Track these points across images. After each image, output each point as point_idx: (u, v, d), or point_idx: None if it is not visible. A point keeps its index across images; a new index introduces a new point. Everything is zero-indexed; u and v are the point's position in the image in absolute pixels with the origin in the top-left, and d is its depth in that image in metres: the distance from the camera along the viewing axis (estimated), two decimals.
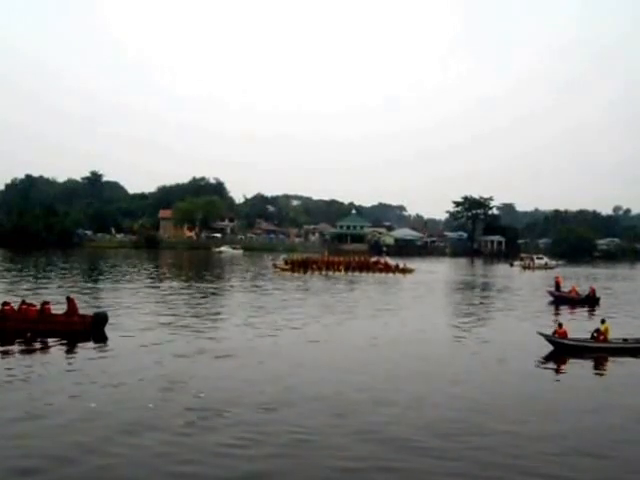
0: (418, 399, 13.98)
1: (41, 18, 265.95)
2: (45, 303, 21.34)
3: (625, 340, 20.84)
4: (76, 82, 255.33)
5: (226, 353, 18.08)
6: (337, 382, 15.14)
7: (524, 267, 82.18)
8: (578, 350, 20.02)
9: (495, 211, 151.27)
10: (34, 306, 21.13)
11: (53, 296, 28.16)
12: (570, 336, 20.52)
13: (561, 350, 20.08)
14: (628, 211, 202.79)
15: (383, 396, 14.09)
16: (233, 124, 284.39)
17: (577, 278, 55.43)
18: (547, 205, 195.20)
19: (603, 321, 21.15)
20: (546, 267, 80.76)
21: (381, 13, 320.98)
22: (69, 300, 21.74)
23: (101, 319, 21.21)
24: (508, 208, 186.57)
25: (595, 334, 20.52)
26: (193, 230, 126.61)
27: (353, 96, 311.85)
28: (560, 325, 20.99)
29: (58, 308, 22.08)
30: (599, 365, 19.25)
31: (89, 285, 39.06)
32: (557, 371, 18.43)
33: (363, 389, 14.60)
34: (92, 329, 20.69)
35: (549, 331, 21.15)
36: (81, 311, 22.00)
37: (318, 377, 15.75)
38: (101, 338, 20.05)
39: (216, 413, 12.30)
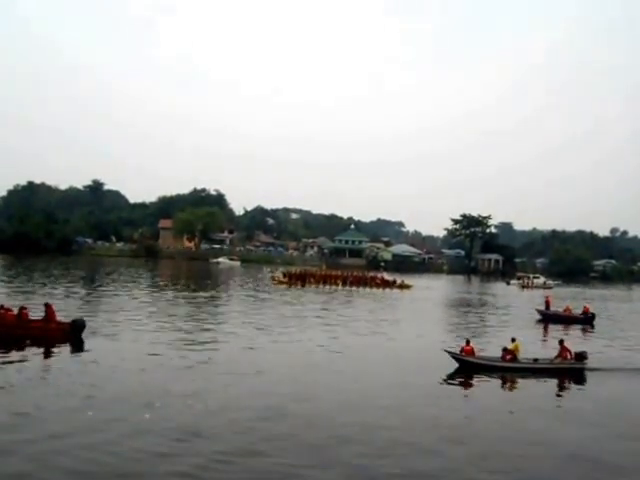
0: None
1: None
2: (22, 308, 21.38)
3: (535, 360, 20.12)
4: (79, 88, 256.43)
5: (211, 364, 18.38)
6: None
7: (523, 286, 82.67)
8: (483, 369, 19.36)
9: (493, 230, 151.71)
10: (12, 311, 21.22)
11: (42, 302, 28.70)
12: (479, 354, 20.05)
13: (466, 368, 19.37)
14: (625, 233, 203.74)
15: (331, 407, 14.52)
16: (235, 135, 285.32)
17: (576, 298, 56.08)
18: (545, 225, 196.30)
19: (513, 340, 20.60)
20: (545, 286, 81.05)
21: (379, 30, 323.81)
22: (47, 306, 21.88)
23: (78, 326, 21.23)
24: (506, 227, 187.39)
25: (503, 353, 19.91)
26: (192, 241, 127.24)
27: (352, 108, 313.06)
28: (467, 342, 20.33)
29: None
30: (489, 386, 18.43)
31: (81, 291, 39.72)
32: (427, 394, 16.66)
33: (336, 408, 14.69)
34: (70, 335, 20.75)
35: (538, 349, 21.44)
36: (65, 318, 22.20)
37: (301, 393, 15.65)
38: (78, 344, 20.18)
39: (209, 427, 12.42)
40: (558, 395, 18.27)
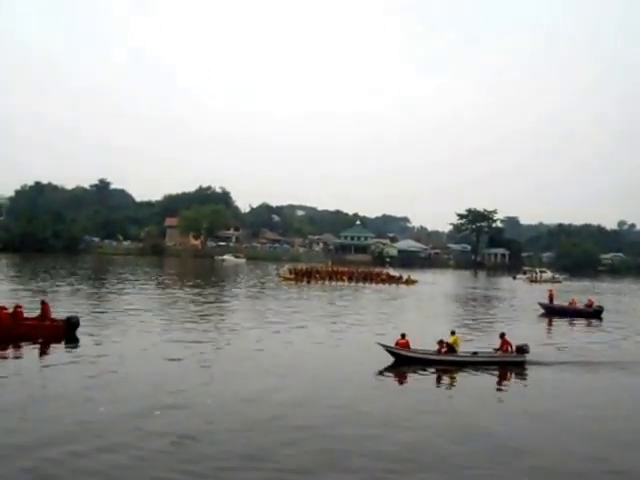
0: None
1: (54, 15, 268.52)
2: (17, 307, 21.47)
3: (475, 353, 19.83)
4: (84, 91, 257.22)
5: (208, 362, 18.38)
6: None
7: (531, 280, 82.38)
8: (419, 362, 19.01)
9: (499, 224, 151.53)
10: (6, 309, 21.29)
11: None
12: (413, 347, 19.57)
13: (401, 361, 19.12)
14: (633, 226, 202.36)
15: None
16: (239, 133, 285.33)
17: (587, 292, 56.07)
18: (551, 219, 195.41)
19: (453, 333, 20.25)
20: (553, 280, 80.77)
21: (396, 19, 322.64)
22: (43, 304, 22.07)
23: (73, 323, 21.38)
24: (512, 221, 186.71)
25: (438, 345, 19.53)
26: (199, 238, 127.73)
27: (358, 104, 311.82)
28: (403, 335, 19.82)
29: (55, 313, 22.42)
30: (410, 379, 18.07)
31: (86, 290, 40.01)
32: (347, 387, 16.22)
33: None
34: (64, 333, 20.93)
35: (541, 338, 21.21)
36: (63, 315, 22.34)
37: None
38: (73, 342, 20.39)
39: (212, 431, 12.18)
40: (489, 388, 17.70)
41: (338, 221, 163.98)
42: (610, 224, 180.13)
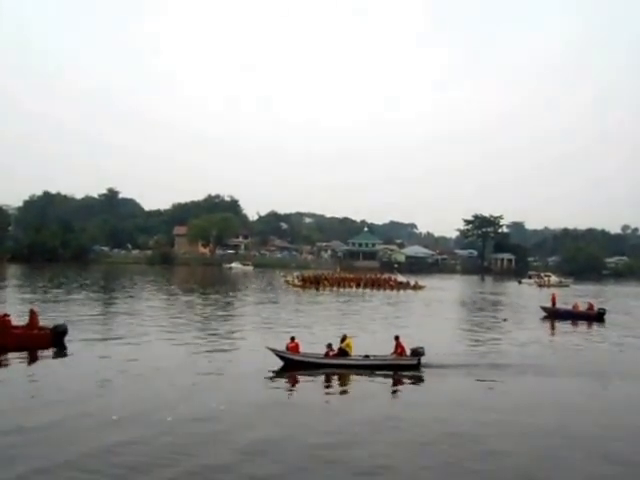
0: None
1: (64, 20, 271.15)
2: (5, 315, 21.56)
3: (367, 356, 19.16)
4: (92, 98, 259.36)
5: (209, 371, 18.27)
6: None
7: (540, 285, 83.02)
8: (307, 366, 18.60)
9: (505, 229, 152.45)
10: None
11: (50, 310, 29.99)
12: (304, 351, 19.19)
13: (291, 365, 18.68)
14: (636, 230, 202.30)
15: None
16: (248, 142, 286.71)
17: (596, 296, 56.42)
18: (556, 224, 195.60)
19: (345, 336, 19.69)
20: (561, 285, 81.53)
21: (401, 29, 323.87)
22: (31, 312, 22.46)
23: (60, 331, 21.65)
24: (518, 226, 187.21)
25: (327, 349, 19.14)
26: (207, 247, 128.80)
27: (365, 111, 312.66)
28: (292, 339, 19.57)
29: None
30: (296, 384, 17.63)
31: (90, 298, 40.57)
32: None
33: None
34: (52, 341, 21.23)
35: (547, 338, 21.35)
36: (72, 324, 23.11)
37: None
38: (61, 350, 20.74)
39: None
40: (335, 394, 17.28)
41: (346, 228, 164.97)
42: (614, 228, 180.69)
